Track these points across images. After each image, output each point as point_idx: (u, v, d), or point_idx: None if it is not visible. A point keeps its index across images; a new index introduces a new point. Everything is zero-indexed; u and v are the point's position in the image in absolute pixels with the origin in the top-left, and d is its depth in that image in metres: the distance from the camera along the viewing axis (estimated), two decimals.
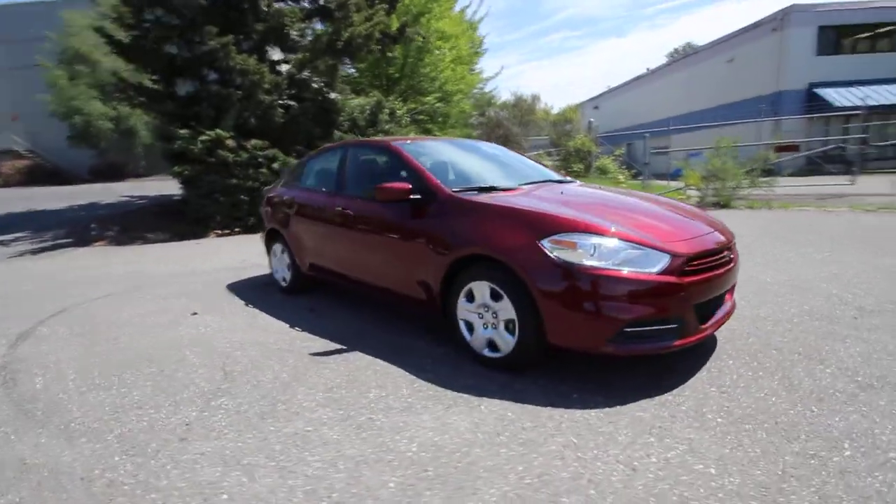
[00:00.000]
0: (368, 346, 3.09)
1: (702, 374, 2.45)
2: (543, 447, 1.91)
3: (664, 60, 49.03)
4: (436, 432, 2.06)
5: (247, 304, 4.29)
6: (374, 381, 2.59)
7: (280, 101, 11.02)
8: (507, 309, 2.46)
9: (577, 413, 2.15)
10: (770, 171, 10.33)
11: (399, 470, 1.81)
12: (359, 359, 2.90)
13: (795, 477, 1.66)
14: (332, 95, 12.49)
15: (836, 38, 18.65)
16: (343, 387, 2.53)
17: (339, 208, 3.58)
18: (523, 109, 15.12)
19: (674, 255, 2.23)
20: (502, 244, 2.43)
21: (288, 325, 3.63)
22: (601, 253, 2.23)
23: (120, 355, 3.18)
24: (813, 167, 14.01)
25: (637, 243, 2.26)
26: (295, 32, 12.15)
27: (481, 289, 2.58)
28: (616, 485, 1.67)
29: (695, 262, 2.29)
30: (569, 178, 3.74)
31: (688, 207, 3.08)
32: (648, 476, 1.70)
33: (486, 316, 2.60)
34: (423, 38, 14.36)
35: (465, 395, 2.36)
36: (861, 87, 17.88)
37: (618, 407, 2.18)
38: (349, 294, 4.36)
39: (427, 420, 2.16)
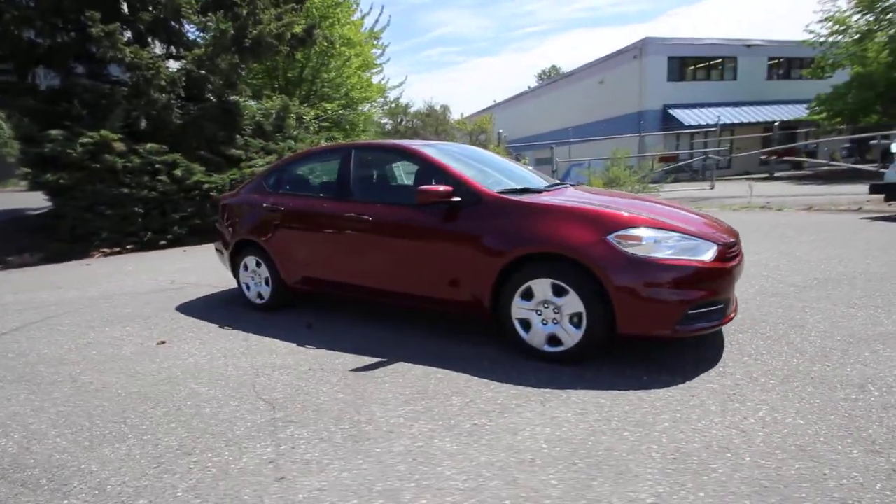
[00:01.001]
0: (408, 355, 2.96)
1: (729, 348, 2.83)
2: (658, 425, 2.05)
3: (534, 80, 54.14)
4: (552, 428, 2.08)
5: (222, 327, 3.78)
6: (446, 388, 2.50)
7: (175, 101, 9.78)
8: (572, 303, 2.58)
9: (660, 392, 2.34)
10: (654, 179, 12.07)
11: (550, 467, 1.81)
12: (409, 369, 2.77)
13: (860, 417, 2.03)
14: (233, 97, 11.47)
15: (681, 67, 22.49)
16: (419, 398, 2.41)
17: (352, 214, 3.36)
18: (437, 119, 15.43)
19: (718, 245, 2.57)
20: (572, 241, 2.54)
21: (296, 345, 3.29)
22: (663, 245, 2.47)
23: (100, 398, 2.60)
24: (671, 175, 16.54)
25: (689, 235, 2.55)
26: (193, 25, 10.94)
27: (542, 286, 2.66)
28: (742, 445, 1.88)
29: (729, 251, 2.66)
30: (566, 183, 4.01)
31: (689, 209, 3.50)
32: (759, 434, 1.94)
33: (545, 312, 2.69)
34: (331, 42, 13.90)
35: (549, 390, 2.42)
36: (701, 109, 21.78)
37: (687, 383, 2.42)
38: (341, 306, 4.09)
39: (533, 417, 2.17)
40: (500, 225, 2.79)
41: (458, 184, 2.98)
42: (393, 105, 15.85)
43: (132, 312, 4.38)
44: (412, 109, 15.38)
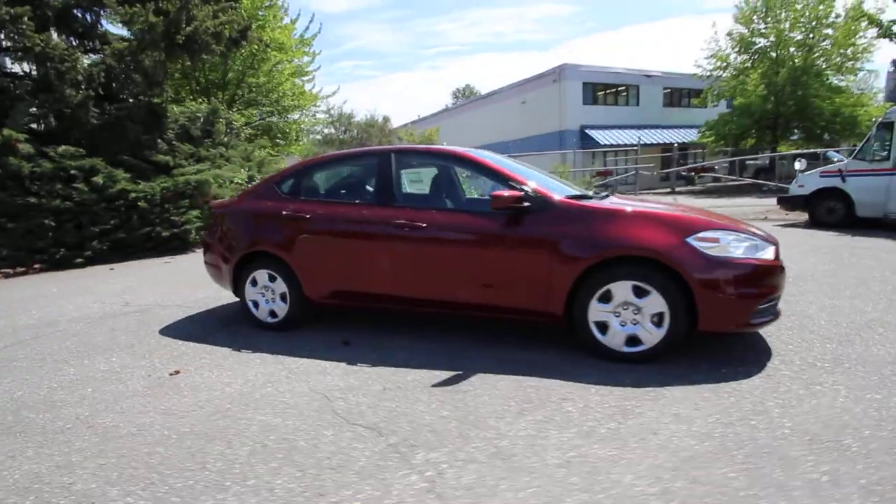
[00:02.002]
0: (480, 366, 2.85)
1: (769, 339, 3.11)
2: (771, 412, 2.18)
3: (450, 97, 55.80)
4: (685, 424, 2.12)
5: (238, 350, 3.33)
6: (549, 395, 2.44)
7: (91, 99, 8.54)
8: (654, 304, 2.67)
9: (746, 383, 2.50)
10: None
11: (718, 462, 1.83)
12: (496, 379, 2.66)
13: None
14: (158, 99, 10.34)
15: (594, 92, 24.67)
16: (531, 408, 2.32)
17: (402, 221, 3.16)
18: (381, 129, 15.05)
19: (776, 244, 2.83)
20: (657, 244, 2.64)
21: (345, 363, 3.01)
22: (736, 246, 2.67)
23: (145, 442, 2.16)
24: (603, 189, 18.01)
25: (752, 235, 2.78)
26: (108, 19, 9.69)
27: (622, 288, 2.72)
28: (852, 421, 2.06)
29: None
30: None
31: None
32: (856, 410, 2.15)
33: (623, 314, 2.75)
34: (266, 45, 13.11)
35: (651, 389, 2.46)
36: (612, 130, 24.03)
37: (763, 372, 2.62)
38: (371, 319, 3.81)
39: (658, 416, 2.20)
40: (576, 230, 2.82)
41: (526, 189, 2.96)
42: (334, 114, 15.31)
43: (106, 341, 3.69)
44: (355, 119, 14.95)
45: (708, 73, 21.61)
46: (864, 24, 17.80)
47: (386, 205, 3.30)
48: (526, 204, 2.90)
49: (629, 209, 2.89)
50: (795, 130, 20.46)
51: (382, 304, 3.38)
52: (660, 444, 1.98)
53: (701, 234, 2.66)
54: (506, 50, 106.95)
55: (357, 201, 3.51)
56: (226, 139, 12.19)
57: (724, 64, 21.04)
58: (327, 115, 15.51)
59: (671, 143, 22.53)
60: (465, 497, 1.70)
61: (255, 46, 13.74)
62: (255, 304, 3.75)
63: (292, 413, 2.38)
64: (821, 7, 18.70)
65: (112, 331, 3.98)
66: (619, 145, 22.91)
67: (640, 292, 2.70)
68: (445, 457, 1.95)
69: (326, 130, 15.33)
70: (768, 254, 2.74)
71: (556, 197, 2.97)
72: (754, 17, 20.17)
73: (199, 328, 3.93)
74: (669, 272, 2.64)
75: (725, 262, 2.60)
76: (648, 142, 24.62)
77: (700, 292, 2.59)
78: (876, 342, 2.97)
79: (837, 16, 18.56)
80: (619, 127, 24.42)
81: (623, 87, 25.74)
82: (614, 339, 2.79)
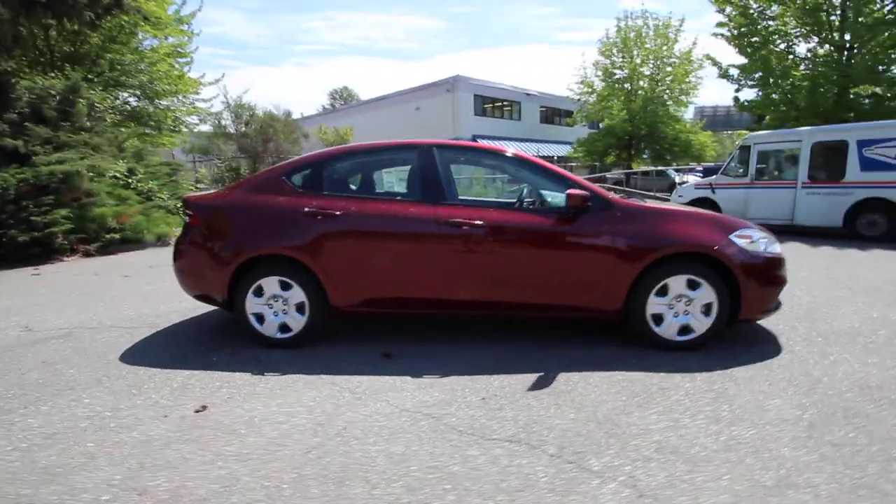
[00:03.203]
0: (557, 365, 2.82)
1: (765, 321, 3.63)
2: (825, 379, 2.57)
3: (327, 98, 53.95)
4: (777, 399, 2.37)
5: (261, 374, 2.78)
6: (649, 389, 2.51)
7: None
8: (705, 295, 2.94)
9: (783, 359, 2.89)
10: None
11: (833, 426, 2.09)
12: (585, 377, 2.65)
13: None
14: (8, 67, 8.16)
15: (483, 105, 26.11)
16: (644, 402, 2.37)
17: (458, 220, 2.96)
18: (287, 125, 13.56)
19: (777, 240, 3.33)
20: (710, 241, 2.91)
21: (410, 377, 2.72)
22: (763, 242, 3.07)
23: (248, 499, 1.69)
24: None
25: (766, 232, 3.22)
26: None
27: (678, 282, 2.95)
28: (874, 380, 2.54)
29: None
30: None
31: None
32: (872, 371, 2.66)
33: (677, 306, 2.98)
34: (145, 17, 11.09)
35: (720, 372, 2.69)
36: (501, 142, 25.67)
37: (786, 350, 3.05)
38: (387, 327, 3.47)
39: (752, 395, 2.41)
40: (636, 229, 2.96)
41: (587, 190, 3.02)
42: (238, 106, 13.41)
43: (50, 378, 2.77)
44: (258, 112, 13.31)
45: (578, 97, 24.44)
46: (695, 66, 22.02)
47: (435, 202, 3.06)
48: (588, 204, 2.97)
49: (680, 209, 3.15)
50: (646, 151, 24.22)
51: (427, 309, 3.12)
52: (778, 418, 2.18)
53: (739, 232, 3.01)
54: (379, 55, 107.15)
55: (398, 197, 3.20)
56: (88, 123, 10.08)
57: (591, 90, 24.01)
58: (225, 103, 13.66)
59: (551, 156, 24.91)
60: (680, 496, 1.67)
61: (126, 18, 11.60)
62: (259, 318, 3.16)
63: (407, 437, 2.07)
64: (664, 48, 22.52)
65: (46, 364, 3.00)
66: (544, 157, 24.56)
67: (692, 285, 2.95)
68: (618, 459, 1.89)
69: (224, 122, 13.51)
70: (778, 248, 3.22)
71: (616, 198, 3.09)
72: (614, 50, 23.43)
73: (172, 352, 3.17)
74: (718, 266, 2.94)
75: (758, 256, 2.99)
76: (531, 154, 26.87)
77: (744, 283, 2.93)
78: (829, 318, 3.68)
79: (676, 57, 22.53)
80: (506, 139, 26.24)
81: (508, 103, 27.74)
82: (668, 329, 3.00)
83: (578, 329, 3.43)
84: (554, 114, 30.64)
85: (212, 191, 3.74)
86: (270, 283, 3.12)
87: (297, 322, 3.15)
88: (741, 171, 9.61)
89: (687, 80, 22.24)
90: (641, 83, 23.32)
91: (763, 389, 2.48)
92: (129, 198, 9.07)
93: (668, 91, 22.54)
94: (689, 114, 25.35)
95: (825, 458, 1.87)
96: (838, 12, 11.94)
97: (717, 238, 2.95)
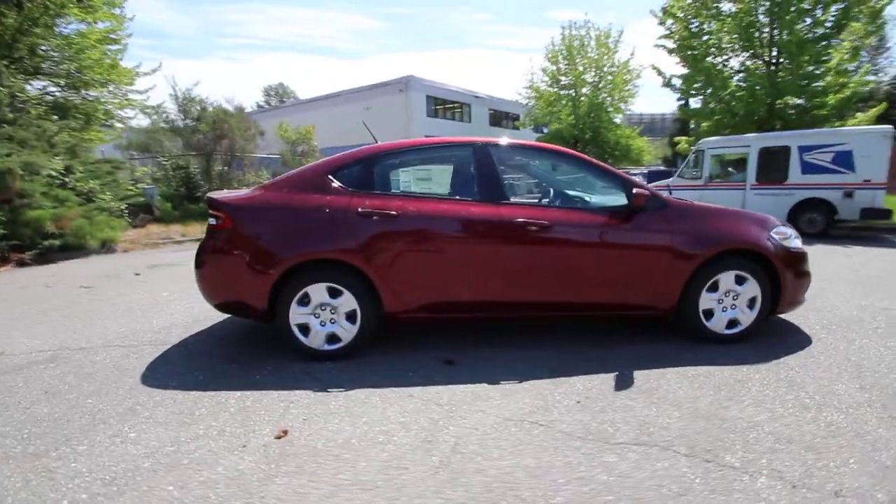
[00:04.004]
0: (622, 363, 2.82)
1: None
2: (865, 363, 2.78)
3: (260, 95, 51.44)
4: (839, 384, 2.52)
5: (324, 390, 2.54)
6: (721, 381, 2.58)
7: None
8: (750, 290, 3.09)
9: (817, 347, 3.10)
10: None
11: (893, 404, 2.27)
12: (660, 374, 2.67)
13: None
14: None
15: (435, 106, 26.07)
16: (733, 395, 2.42)
17: (523, 220, 2.87)
18: (243, 121, 12.43)
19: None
20: (757, 239, 3.05)
21: (487, 384, 2.60)
22: (793, 238, 3.27)
23: None
24: None
25: (794, 230, 3.43)
26: None
27: (727, 278, 3.07)
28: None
29: None
30: None
31: None
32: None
33: (725, 301, 3.11)
34: None
35: (775, 362, 2.83)
36: None
37: (816, 339, 3.28)
38: (448, 331, 3.31)
39: (816, 382, 2.55)
40: (690, 227, 3.04)
41: (647, 189, 3.06)
42: (186, 99, 12.11)
43: (70, 412, 2.34)
44: (210, 107, 12.13)
45: (526, 101, 25.14)
46: (633, 75, 23.44)
47: (497, 201, 2.96)
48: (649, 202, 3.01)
49: (724, 208, 3.27)
50: (591, 154, 25.42)
51: (489, 312, 3.01)
52: (853, 401, 2.32)
53: (777, 230, 3.19)
54: (316, 53, 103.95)
55: (457, 197, 3.04)
56: (11, 115, 8.88)
57: (538, 95, 24.80)
58: (174, 97, 12.31)
59: None
60: (828, 483, 1.71)
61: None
62: (304, 329, 2.89)
63: (530, 448, 1.97)
64: (605, 58, 23.77)
65: (50, 394, 2.54)
66: None
67: (739, 280, 3.09)
68: (750, 454, 1.91)
69: (173, 117, 12.18)
70: (800, 242, 3.45)
71: (670, 197, 3.15)
72: (559, 57, 24.36)
73: (202, 371, 2.81)
74: (761, 262, 3.09)
75: (791, 251, 3.18)
76: None
77: (784, 278, 3.11)
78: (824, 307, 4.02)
79: (616, 66, 23.85)
80: None
81: (458, 105, 27.94)
82: (719, 323, 3.11)
83: (613, 326, 3.48)
84: (502, 117, 31.31)
85: (230, 191, 3.38)
86: (318, 291, 2.85)
87: (348, 332, 2.91)
88: (696, 173, 10.34)
89: (626, 88, 23.61)
90: (585, 90, 24.45)
91: (821, 375, 2.64)
92: (68, 199, 8.04)
93: (609, 98, 23.79)
94: (616, 121, 26.91)
95: None
96: (766, 30, 13.22)
97: (762, 235, 3.11)
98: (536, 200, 3.26)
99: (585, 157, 3.27)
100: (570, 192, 3.44)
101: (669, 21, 15.00)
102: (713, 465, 1.83)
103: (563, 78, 24.52)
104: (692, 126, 27.05)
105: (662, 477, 1.76)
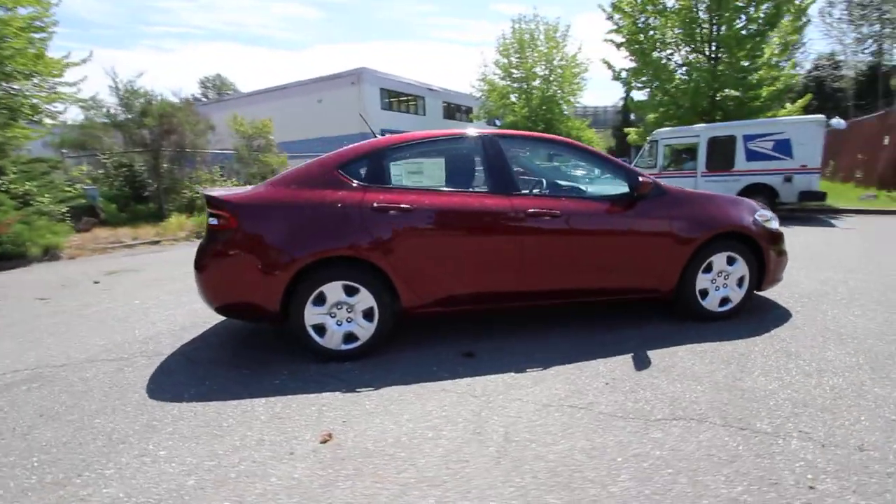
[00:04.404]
0: (634, 345, 2.96)
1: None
2: (859, 326, 3.08)
3: (197, 86, 48.57)
4: (853, 356, 2.78)
5: (353, 391, 2.49)
6: (732, 356, 2.76)
7: None
8: (740, 270, 3.32)
9: (799, 317, 3.39)
10: None
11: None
12: (673, 353, 2.82)
13: None
14: None
15: (389, 98, 25.68)
16: (753, 367, 2.60)
17: (535, 210, 2.91)
18: (192, 114, 11.43)
19: None
20: (745, 222, 3.28)
21: (515, 372, 2.65)
22: (773, 220, 3.53)
23: None
24: None
25: (771, 212, 3.70)
26: None
27: (720, 259, 3.28)
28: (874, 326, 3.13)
29: None
30: None
31: None
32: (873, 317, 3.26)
33: (718, 281, 3.32)
34: None
35: (767, 335, 3.06)
36: None
37: (801, 308, 3.58)
38: (458, 323, 3.31)
39: (818, 351, 2.79)
40: (687, 213, 3.22)
41: (649, 178, 3.20)
42: (130, 90, 10.98)
43: (80, 435, 2.15)
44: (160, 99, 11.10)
45: (480, 94, 25.35)
46: (581, 68, 24.21)
47: (508, 193, 2.98)
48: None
49: (715, 194, 3.48)
50: None
51: (503, 302, 3.05)
52: (845, 365, 2.56)
53: (759, 213, 3.43)
54: (251, 43, 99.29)
55: (469, 189, 3.03)
56: None
57: (492, 88, 25.07)
58: (116, 87, 11.15)
59: None
60: (850, 439, 1.89)
61: None
62: (320, 331, 2.80)
63: (580, 431, 2.03)
64: (554, 52, 24.38)
65: (47, 417, 2.32)
66: None
67: (730, 261, 3.31)
68: (776, 419, 2.06)
69: (114, 111, 11.06)
70: (778, 224, 3.73)
71: (667, 185, 3.31)
72: (511, 50, 24.71)
73: (214, 380, 2.66)
74: (748, 243, 3.32)
75: (773, 232, 3.45)
76: None
77: (769, 257, 3.36)
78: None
79: (565, 60, 24.53)
80: None
81: (412, 98, 27.70)
82: (713, 302, 3.33)
83: (614, 311, 3.63)
84: (455, 109, 31.40)
85: (226, 189, 3.21)
86: (334, 289, 2.77)
87: (365, 330, 2.85)
88: (651, 162, 10.88)
89: (575, 81, 24.36)
90: (536, 83, 24.99)
91: (811, 344, 2.89)
92: (3, 203, 7.27)
93: (559, 91, 24.45)
94: (566, 113, 27.77)
95: None
96: (706, 26, 14.06)
97: (749, 218, 3.34)
98: (545, 190, 3.32)
99: (590, 147, 3.37)
100: (577, 183, 3.54)
101: (617, 16, 15.61)
102: (749, 433, 1.97)
103: (514, 71, 24.92)
104: (633, 118, 28.56)
105: (709, 447, 1.88)
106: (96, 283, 5.60)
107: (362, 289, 2.81)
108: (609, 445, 1.92)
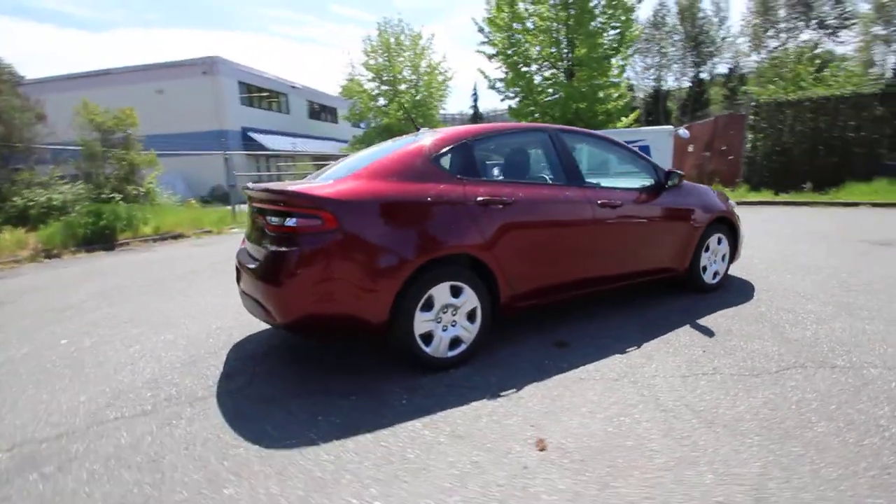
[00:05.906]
0: (673, 325, 3.33)
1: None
2: (835, 282, 3.98)
3: None
4: (829, 307, 3.58)
5: (496, 397, 2.37)
6: (753, 322, 3.35)
7: None
8: (724, 247, 4.03)
9: (777, 288, 4.26)
10: None
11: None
12: (720, 319, 3.29)
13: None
14: None
15: (250, 93, 23.11)
16: (772, 328, 3.18)
17: (606, 201, 3.11)
18: (16, 100, 8.02)
19: None
20: (729, 208, 3.99)
21: (620, 355, 2.80)
22: (733, 204, 4.34)
23: None
24: None
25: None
26: None
27: (713, 240, 3.94)
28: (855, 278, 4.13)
29: None
30: None
31: None
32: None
33: (712, 258, 3.99)
34: None
35: (759, 297, 3.80)
36: (274, 136, 23.40)
37: (764, 276, 4.46)
38: (540, 311, 3.29)
39: (813, 307, 3.57)
40: (697, 200, 3.79)
41: (664, 169, 3.65)
42: None
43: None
44: None
45: (350, 96, 24.70)
46: (446, 76, 25.38)
47: (580, 185, 3.12)
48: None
49: (706, 186, 4.12)
50: None
51: (576, 291, 3.17)
52: (838, 314, 3.34)
53: (728, 201, 4.21)
54: (37, 20, 79.70)
55: (549, 181, 3.06)
56: None
57: (361, 90, 24.65)
58: None
59: (325, 154, 24.44)
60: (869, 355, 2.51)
61: None
62: (426, 339, 2.56)
63: (734, 390, 2.29)
64: (419, 59, 25.08)
65: (160, 465, 1.67)
66: (285, 151, 22.69)
67: (718, 241, 4.00)
68: (850, 356, 2.60)
69: None
70: None
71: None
72: (378, 53, 24.64)
73: (322, 416, 2.24)
74: (727, 224, 4.05)
75: (737, 216, 4.26)
76: (301, 150, 25.63)
77: (739, 236, 4.15)
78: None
79: (428, 68, 25.41)
80: (276, 133, 24.20)
81: (274, 94, 25.51)
82: (709, 276, 3.98)
83: (628, 294, 4.05)
84: (321, 109, 29.94)
85: (307, 183, 2.70)
86: (442, 291, 2.56)
87: (469, 333, 2.70)
88: None
89: (441, 89, 25.44)
90: (403, 87, 25.39)
91: (798, 301, 3.61)
92: None
93: (428, 96, 25.27)
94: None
95: (873, 319, 3.08)
96: (564, 48, 16.16)
97: (727, 204, 4.08)
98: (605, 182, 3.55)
99: (619, 142, 3.73)
100: (606, 174, 3.86)
101: (488, 29, 16.88)
102: (838, 370, 2.47)
103: (384, 74, 24.91)
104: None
105: (830, 387, 2.30)
106: None
107: (466, 288, 2.65)
108: (769, 399, 2.21)
